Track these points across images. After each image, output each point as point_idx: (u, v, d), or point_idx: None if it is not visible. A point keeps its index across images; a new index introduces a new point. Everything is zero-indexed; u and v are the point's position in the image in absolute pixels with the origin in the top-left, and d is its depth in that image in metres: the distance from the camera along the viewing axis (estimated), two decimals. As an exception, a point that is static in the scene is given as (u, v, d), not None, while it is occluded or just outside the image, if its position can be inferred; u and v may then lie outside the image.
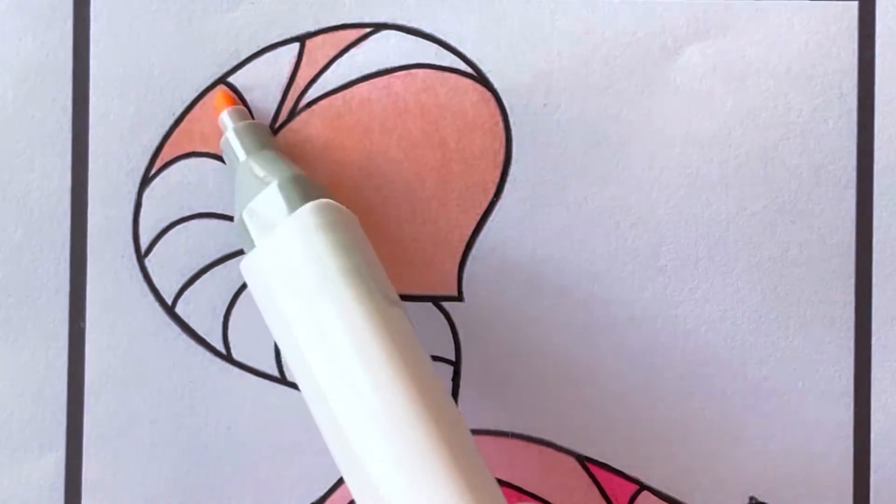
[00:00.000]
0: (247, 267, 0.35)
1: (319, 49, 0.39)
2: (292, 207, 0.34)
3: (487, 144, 0.38)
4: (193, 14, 0.38)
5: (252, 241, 0.35)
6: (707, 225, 0.38)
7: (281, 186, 0.35)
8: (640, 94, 0.38)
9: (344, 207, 0.35)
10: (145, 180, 0.38)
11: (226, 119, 0.37)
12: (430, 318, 0.38)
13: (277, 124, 0.38)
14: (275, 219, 0.35)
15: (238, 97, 0.38)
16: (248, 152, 0.36)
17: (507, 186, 0.38)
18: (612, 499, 0.38)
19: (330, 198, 0.35)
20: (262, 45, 0.38)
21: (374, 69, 0.38)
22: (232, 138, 0.37)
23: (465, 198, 0.38)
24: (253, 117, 0.38)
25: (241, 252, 0.38)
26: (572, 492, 0.38)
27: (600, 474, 0.38)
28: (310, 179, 0.36)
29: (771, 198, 0.38)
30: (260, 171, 0.36)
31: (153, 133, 0.38)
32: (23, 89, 0.38)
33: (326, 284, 0.33)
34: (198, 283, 0.38)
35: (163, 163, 0.38)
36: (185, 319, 0.38)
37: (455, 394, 0.38)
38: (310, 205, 0.34)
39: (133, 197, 0.38)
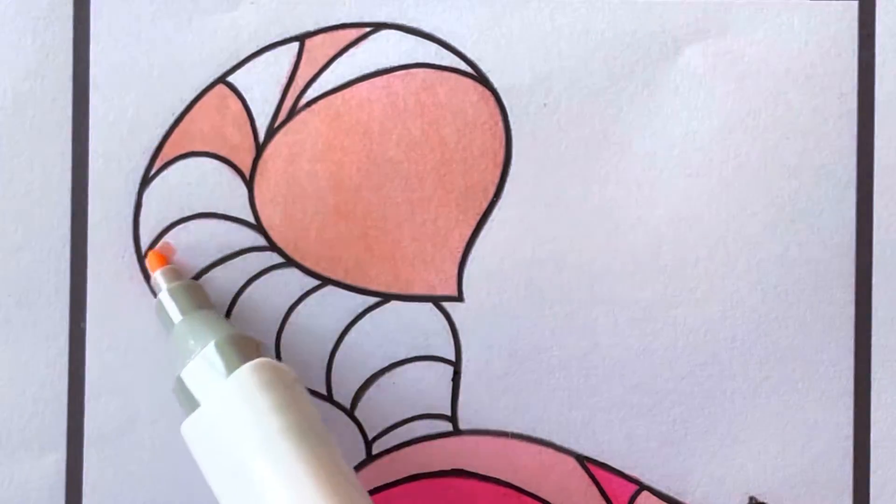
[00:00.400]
0: (188, 428, 0.35)
1: (319, 49, 0.38)
2: (231, 368, 0.34)
3: (487, 144, 0.38)
4: (193, 14, 0.38)
5: (193, 402, 0.35)
6: (707, 225, 0.38)
7: (218, 346, 0.35)
8: (640, 94, 0.38)
9: (283, 366, 0.35)
10: (145, 180, 0.38)
11: (159, 280, 0.37)
12: (430, 318, 0.38)
13: (277, 124, 0.38)
14: (214, 379, 0.34)
15: (238, 97, 0.38)
16: (183, 312, 0.36)
17: (507, 186, 0.38)
18: (612, 499, 0.38)
19: (269, 356, 0.35)
20: (262, 45, 0.38)
21: (373, 69, 0.38)
22: (166, 299, 0.37)
23: (465, 198, 0.38)
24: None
25: (241, 252, 0.38)
26: (572, 492, 0.38)
27: (600, 474, 0.38)
28: (247, 338, 0.36)
29: (771, 198, 0.38)
30: (196, 332, 0.36)
31: (153, 133, 0.38)
32: (23, 89, 0.38)
33: (268, 444, 0.33)
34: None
35: (163, 163, 0.38)
36: (185, 319, 0.38)
37: (455, 394, 0.38)
38: (248, 365, 0.34)
39: (133, 197, 0.38)
